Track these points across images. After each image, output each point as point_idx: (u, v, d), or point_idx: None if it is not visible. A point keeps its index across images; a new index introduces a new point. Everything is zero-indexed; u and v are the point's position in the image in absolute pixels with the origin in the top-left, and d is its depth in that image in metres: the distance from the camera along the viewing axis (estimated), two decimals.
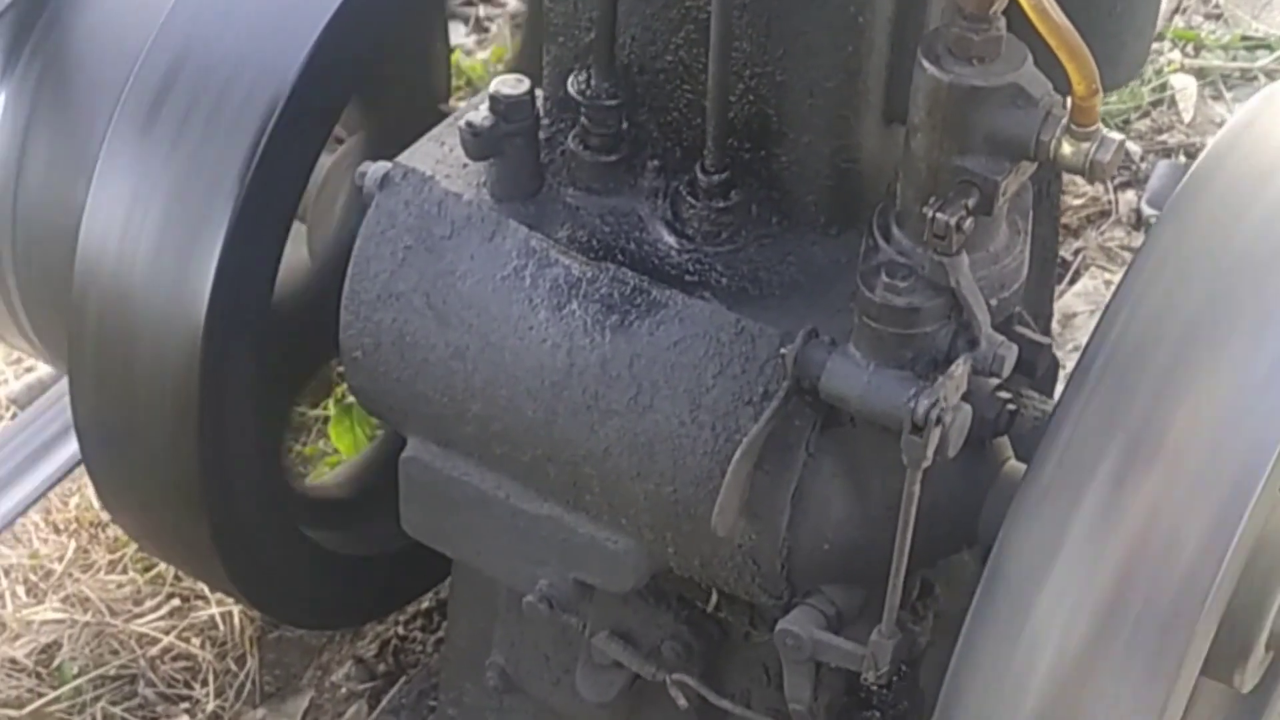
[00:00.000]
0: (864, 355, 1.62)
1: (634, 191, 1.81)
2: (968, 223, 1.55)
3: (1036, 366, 1.94)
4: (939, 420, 1.56)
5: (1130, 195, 3.26)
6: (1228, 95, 3.42)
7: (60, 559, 2.68)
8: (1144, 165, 3.31)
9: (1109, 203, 3.25)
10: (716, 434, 1.70)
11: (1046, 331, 2.21)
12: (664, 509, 1.75)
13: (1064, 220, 3.19)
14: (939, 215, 1.54)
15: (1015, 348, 1.63)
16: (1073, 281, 3.10)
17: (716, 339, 1.71)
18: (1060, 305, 3.01)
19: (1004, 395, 1.75)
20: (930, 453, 1.57)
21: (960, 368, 1.59)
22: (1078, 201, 3.24)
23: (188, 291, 1.95)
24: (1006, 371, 1.62)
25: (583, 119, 1.81)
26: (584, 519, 1.82)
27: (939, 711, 1.67)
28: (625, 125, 1.81)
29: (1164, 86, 3.42)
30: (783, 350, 1.65)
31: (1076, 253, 3.16)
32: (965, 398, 1.61)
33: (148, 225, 1.96)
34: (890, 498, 1.64)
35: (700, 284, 1.75)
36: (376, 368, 1.86)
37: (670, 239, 1.78)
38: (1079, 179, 3.23)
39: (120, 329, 2.00)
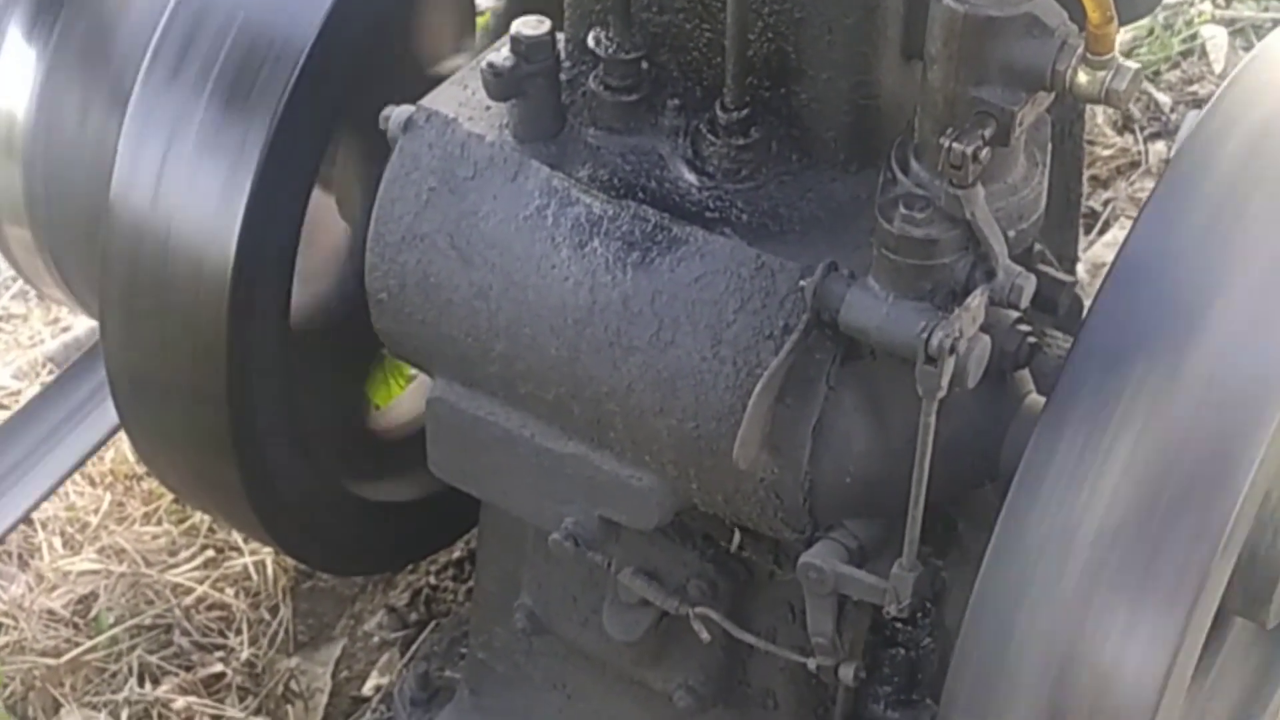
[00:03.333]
0: (883, 287, 1.62)
1: (654, 130, 1.82)
2: (984, 153, 1.55)
3: (1059, 305, 1.94)
4: (953, 350, 1.57)
5: (1160, 146, 3.25)
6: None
7: (96, 511, 2.71)
8: (1174, 116, 3.29)
9: (1139, 154, 3.24)
10: (738, 369, 1.71)
11: (1070, 273, 2.21)
12: (687, 445, 1.76)
13: (1094, 171, 3.19)
14: (955, 145, 1.54)
15: (1033, 279, 1.63)
16: (1102, 232, 3.10)
17: (737, 274, 1.71)
18: (1090, 256, 3.01)
19: (1024, 328, 1.76)
20: (945, 383, 1.58)
21: (977, 299, 1.60)
22: (1107, 153, 3.24)
23: (217, 235, 1.96)
24: (1024, 302, 1.63)
25: (602, 70, 1.82)
26: (608, 456, 1.83)
27: (959, 645, 1.68)
28: (645, 66, 1.83)
29: (1194, 37, 3.41)
30: (802, 283, 1.66)
31: (1106, 203, 3.15)
32: (984, 329, 1.62)
33: (178, 171, 1.98)
34: (911, 431, 1.64)
35: (721, 220, 1.75)
36: (402, 309, 1.87)
37: (691, 177, 1.79)
38: (1109, 130, 3.25)
39: (150, 274, 2.02)
